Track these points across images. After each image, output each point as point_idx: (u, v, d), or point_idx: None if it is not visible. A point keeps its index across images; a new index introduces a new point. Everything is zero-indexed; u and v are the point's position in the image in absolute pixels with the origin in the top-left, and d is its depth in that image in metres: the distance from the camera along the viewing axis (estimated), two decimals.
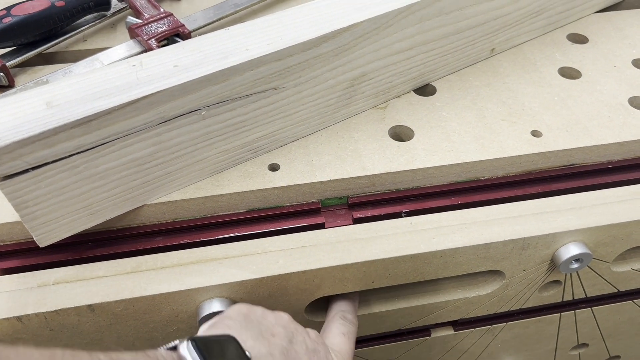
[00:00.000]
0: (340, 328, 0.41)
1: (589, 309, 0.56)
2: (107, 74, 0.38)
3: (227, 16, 0.61)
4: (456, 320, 0.53)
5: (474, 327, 0.54)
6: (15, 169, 0.34)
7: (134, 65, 0.39)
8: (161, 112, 0.38)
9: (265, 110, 0.44)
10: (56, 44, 0.57)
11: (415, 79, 0.53)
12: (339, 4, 0.45)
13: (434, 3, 0.47)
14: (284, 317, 0.37)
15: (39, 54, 0.56)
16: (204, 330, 0.35)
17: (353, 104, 0.50)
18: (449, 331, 0.54)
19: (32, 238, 0.39)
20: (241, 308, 0.36)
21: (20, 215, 0.37)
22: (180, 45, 0.41)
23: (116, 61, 0.53)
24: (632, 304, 0.56)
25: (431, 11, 0.48)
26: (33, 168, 0.35)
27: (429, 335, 0.54)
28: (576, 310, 0.55)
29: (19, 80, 0.54)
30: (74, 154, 0.36)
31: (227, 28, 0.43)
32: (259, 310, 0.37)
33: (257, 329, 0.34)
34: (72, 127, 0.35)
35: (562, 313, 0.55)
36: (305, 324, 0.44)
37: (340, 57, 0.45)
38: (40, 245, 0.39)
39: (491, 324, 0.54)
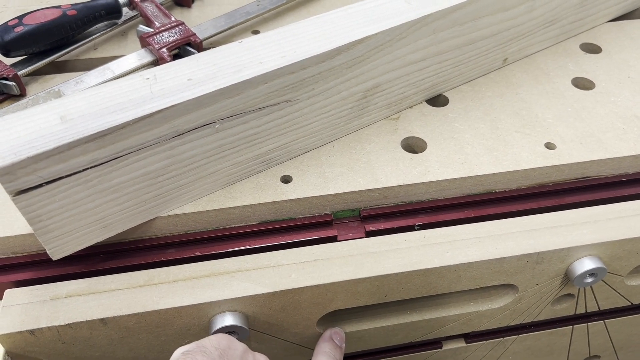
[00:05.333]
0: None
1: (602, 321, 0.55)
2: (120, 87, 0.38)
3: (238, 24, 0.61)
4: (468, 333, 0.53)
5: (486, 340, 0.54)
6: (29, 184, 0.34)
7: (147, 79, 0.39)
8: (175, 126, 0.38)
9: (278, 122, 0.44)
10: (67, 52, 0.57)
11: (427, 89, 0.52)
12: (353, 16, 0.45)
13: (448, 14, 0.47)
14: None
15: (51, 63, 0.56)
16: (176, 358, 0.33)
17: (366, 115, 0.50)
18: (461, 343, 0.54)
19: (45, 250, 0.39)
20: (221, 341, 0.34)
21: (34, 229, 0.37)
22: (194, 58, 0.41)
23: (128, 71, 0.53)
24: None
25: (445, 22, 0.47)
26: (47, 183, 0.35)
27: (440, 347, 0.53)
28: (589, 323, 0.55)
29: (31, 89, 0.54)
30: (88, 168, 0.36)
31: (240, 40, 0.43)
32: (240, 348, 0.34)
33: None
34: (86, 142, 0.35)
35: (575, 326, 0.55)
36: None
37: (354, 69, 0.45)
38: (54, 259, 0.39)
39: (503, 337, 0.54)
